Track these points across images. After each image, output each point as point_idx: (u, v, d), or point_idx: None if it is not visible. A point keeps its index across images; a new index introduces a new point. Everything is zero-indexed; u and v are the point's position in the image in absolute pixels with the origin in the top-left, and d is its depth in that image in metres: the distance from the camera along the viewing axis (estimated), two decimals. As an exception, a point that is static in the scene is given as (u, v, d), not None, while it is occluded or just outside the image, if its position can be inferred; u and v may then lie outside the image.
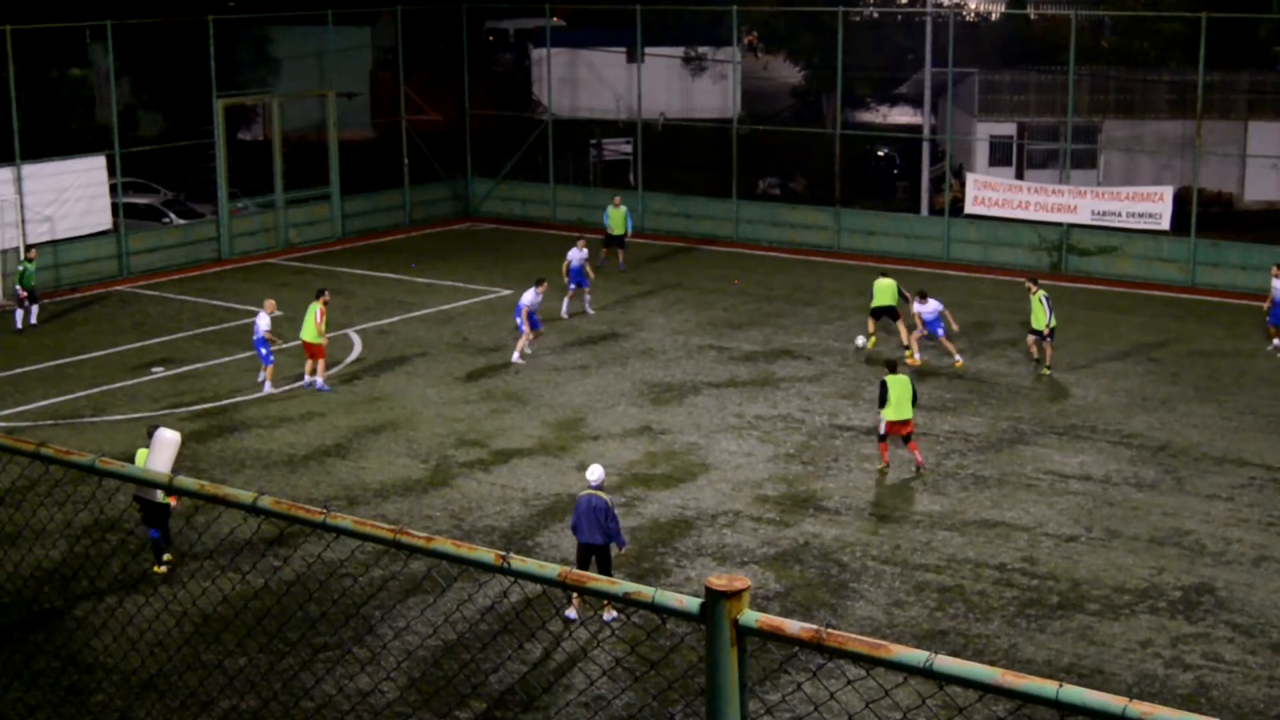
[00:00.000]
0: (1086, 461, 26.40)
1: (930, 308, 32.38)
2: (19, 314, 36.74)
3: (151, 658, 17.41)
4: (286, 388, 31.15)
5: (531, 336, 33.30)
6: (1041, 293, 31.62)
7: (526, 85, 65.09)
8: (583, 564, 19.48)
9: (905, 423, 25.64)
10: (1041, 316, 31.42)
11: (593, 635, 18.69)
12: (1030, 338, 32.09)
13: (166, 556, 21.94)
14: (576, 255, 37.41)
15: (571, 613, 19.98)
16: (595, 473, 20.39)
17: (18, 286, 36.82)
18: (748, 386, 31.14)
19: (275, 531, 20.74)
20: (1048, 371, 31.63)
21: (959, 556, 22.15)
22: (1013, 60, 55.90)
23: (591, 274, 37.96)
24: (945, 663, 3.86)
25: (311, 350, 31.13)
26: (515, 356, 33.13)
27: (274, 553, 20.64)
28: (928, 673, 3.88)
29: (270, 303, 31.87)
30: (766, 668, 16.86)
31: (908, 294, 33.64)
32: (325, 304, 31.17)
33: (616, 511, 20.26)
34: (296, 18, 53.97)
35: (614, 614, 19.68)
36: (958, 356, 32.62)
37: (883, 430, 25.90)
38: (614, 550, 20.27)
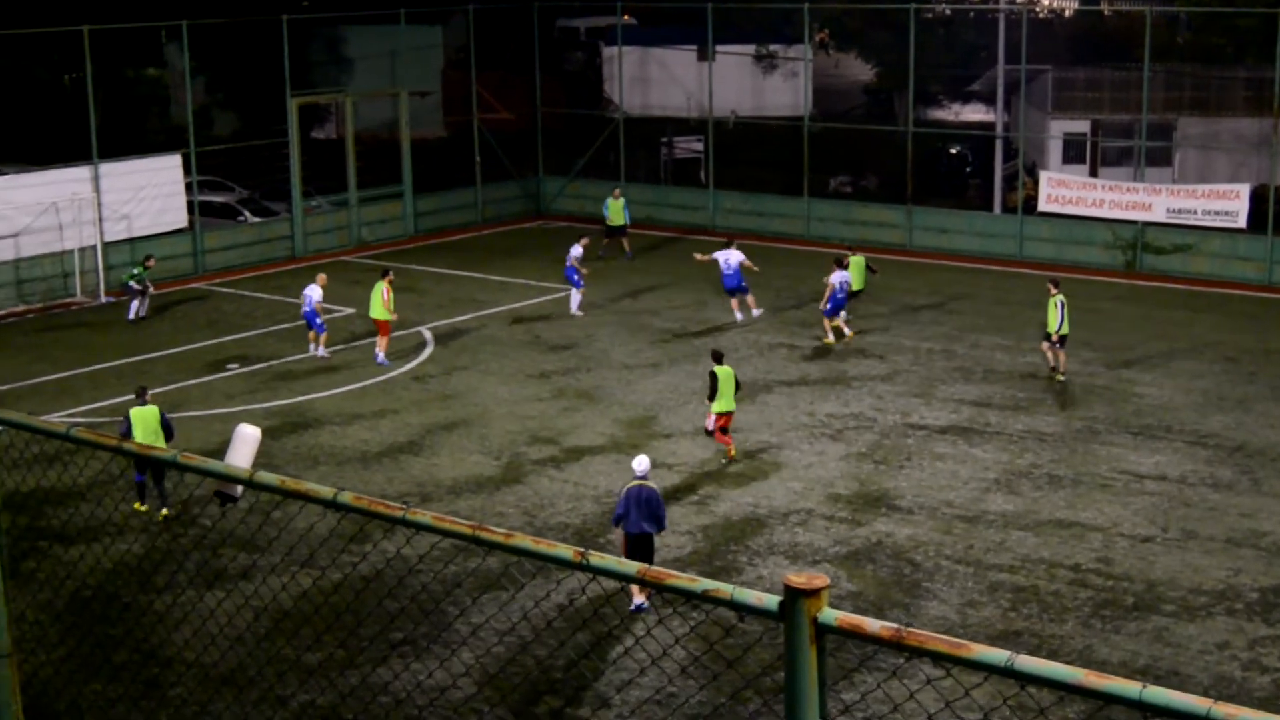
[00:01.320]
0: (1162, 461, 26.18)
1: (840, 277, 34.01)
2: (134, 305, 37.54)
3: (231, 652, 17.60)
4: (339, 350, 31.34)
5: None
6: (1059, 297, 31.02)
7: (598, 83, 65.13)
8: (631, 555, 19.52)
9: (731, 413, 26.55)
10: (1054, 321, 30.96)
11: (663, 630, 18.70)
12: (1044, 343, 31.61)
13: (166, 511, 23.50)
14: (579, 252, 38.18)
15: (640, 600, 20.03)
16: (643, 463, 20.51)
17: (131, 283, 37.58)
18: (819, 385, 31.07)
19: (355, 528, 20.87)
20: (1060, 378, 31.14)
21: (1033, 556, 22.01)
22: (1087, 57, 55.45)
23: (585, 270, 38.27)
24: (1027, 662, 3.85)
25: (380, 327, 33.07)
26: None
27: (351, 549, 20.77)
28: (1009, 672, 3.86)
29: (322, 276, 34.45)
30: (841, 667, 16.81)
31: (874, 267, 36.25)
32: (390, 282, 33.26)
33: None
34: (369, 17, 54.19)
35: (643, 600, 19.92)
36: (830, 335, 34.34)
37: (717, 424, 26.48)
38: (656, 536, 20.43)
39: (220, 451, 22.25)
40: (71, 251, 40.37)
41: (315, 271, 36.30)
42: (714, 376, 26.31)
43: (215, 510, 22.03)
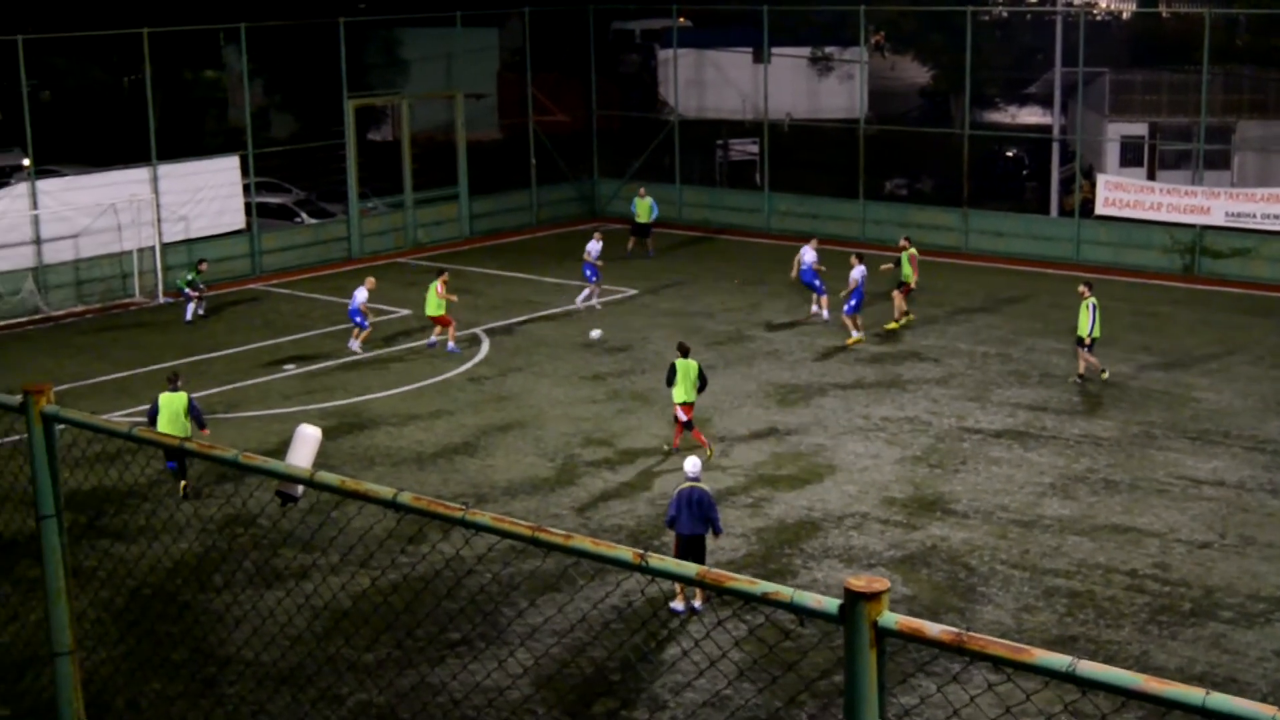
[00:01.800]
0: (1220, 467, 25.99)
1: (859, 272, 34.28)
2: (190, 307, 37.88)
3: (291, 651, 17.71)
4: (394, 349, 31.46)
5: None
6: (1091, 300, 30.71)
7: (653, 86, 65.22)
8: (683, 557, 19.52)
9: (690, 405, 26.71)
10: (1085, 324, 30.65)
11: (719, 633, 18.69)
12: (1079, 348, 31.24)
13: (185, 483, 24.76)
14: (595, 248, 38.66)
15: (678, 604, 20.07)
16: (694, 465, 20.51)
17: (186, 289, 37.99)
18: (874, 388, 30.99)
19: (413, 529, 20.95)
20: (1076, 380, 30.90)
21: (1089, 562, 21.89)
22: (1144, 59, 55.16)
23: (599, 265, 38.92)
24: (1088, 668, 3.84)
25: (439, 320, 34.07)
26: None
27: (409, 550, 20.85)
28: (1071, 678, 3.86)
29: (371, 280, 35.36)
30: (895, 672, 16.77)
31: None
32: (445, 282, 34.13)
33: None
34: (425, 20, 54.44)
35: (683, 604, 20.01)
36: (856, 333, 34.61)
37: (684, 415, 26.71)
38: (710, 539, 20.39)
39: (278, 451, 22.40)
40: (130, 252, 40.70)
41: (374, 271, 36.59)
42: (672, 367, 26.80)
43: (274, 510, 22.17)
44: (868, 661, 4.23)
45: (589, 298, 38.23)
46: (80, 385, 31.95)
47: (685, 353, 27.17)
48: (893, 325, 35.85)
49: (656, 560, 4.76)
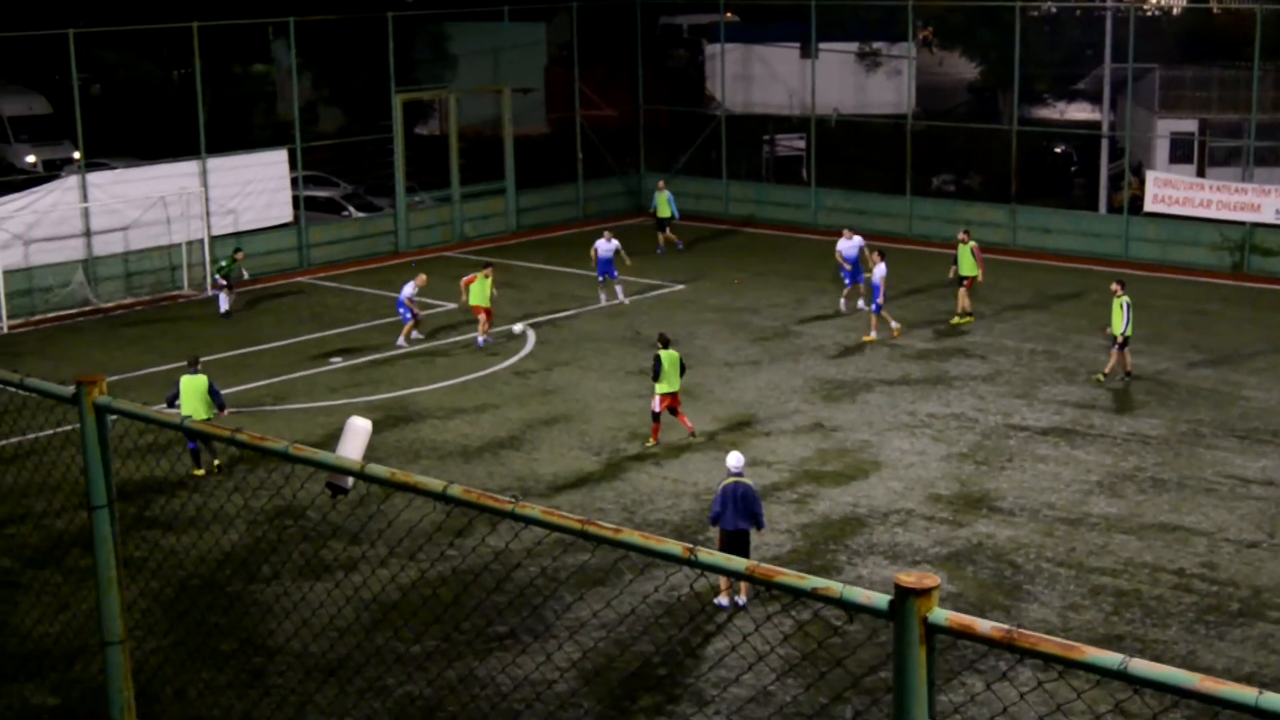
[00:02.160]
0: (1269, 466, 25.82)
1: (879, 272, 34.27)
2: (224, 299, 38.09)
3: (342, 642, 17.80)
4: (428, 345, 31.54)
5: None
6: (1125, 299, 30.44)
7: (700, 81, 65.14)
8: (727, 552, 19.49)
9: (674, 395, 26.97)
10: (1119, 323, 30.40)
11: (765, 629, 18.68)
12: (1113, 349, 30.97)
13: (217, 462, 25.74)
14: (604, 247, 38.41)
15: (722, 600, 20.07)
16: (737, 460, 20.49)
17: (218, 276, 37.95)
18: (920, 384, 30.91)
19: (459, 522, 21.02)
20: (1100, 380, 30.63)
21: (1136, 560, 21.79)
22: (1195, 55, 54.75)
23: (629, 261, 38.98)
24: (1141, 666, 3.82)
25: (480, 311, 34.27)
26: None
27: (456, 543, 20.92)
28: (1122, 676, 3.84)
29: (422, 277, 35.62)
30: (943, 669, 16.73)
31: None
32: (486, 275, 34.31)
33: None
34: (473, 14, 54.51)
35: (727, 599, 20.01)
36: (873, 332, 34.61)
37: (658, 406, 26.98)
38: (754, 533, 20.37)
39: (325, 443, 22.43)
40: (179, 245, 40.93)
41: (421, 265, 36.71)
42: (658, 359, 26.95)
43: (323, 502, 22.24)
44: (917, 658, 4.22)
45: (616, 295, 38.21)
46: (129, 377, 32.14)
47: (666, 343, 27.44)
48: (956, 321, 35.75)
49: (706, 554, 4.77)
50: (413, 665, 17.94)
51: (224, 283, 38.13)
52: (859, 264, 36.92)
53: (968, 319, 35.88)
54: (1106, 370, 30.75)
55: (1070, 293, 39.25)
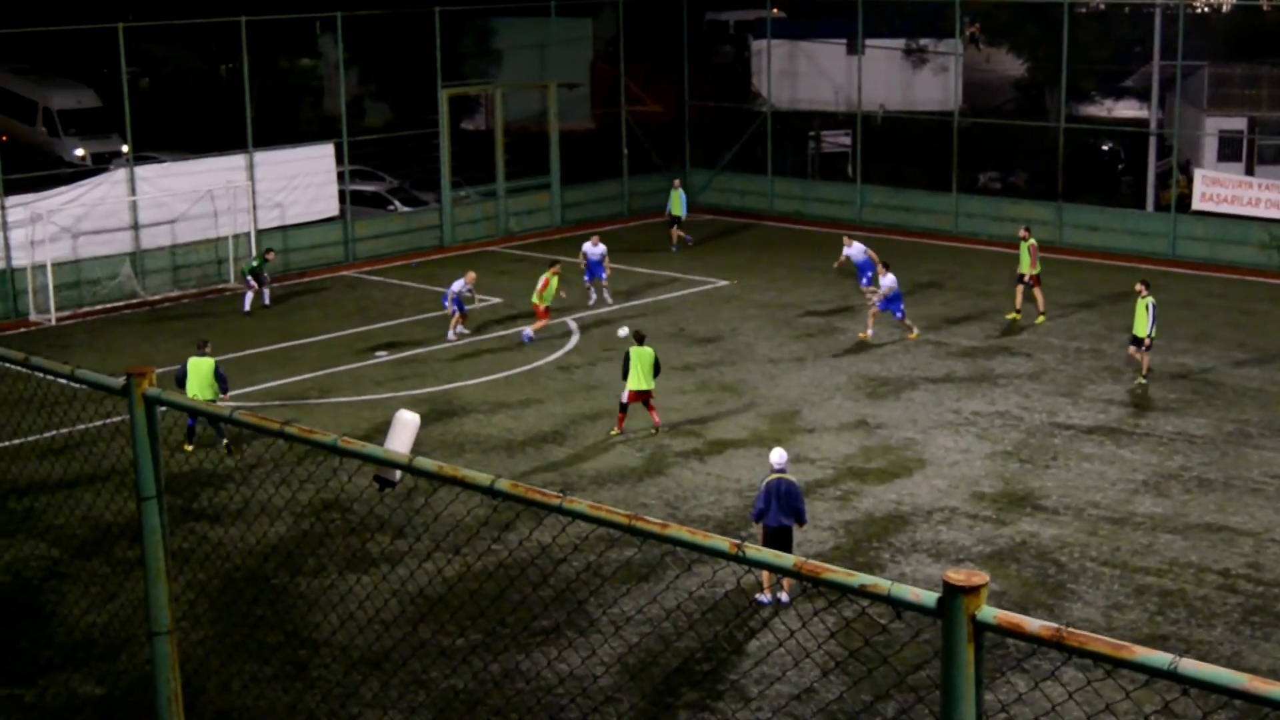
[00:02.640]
0: (1317, 466, 25.65)
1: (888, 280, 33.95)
2: (249, 297, 37.92)
3: (387, 636, 17.86)
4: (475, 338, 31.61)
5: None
6: (1150, 299, 30.03)
7: (745, 77, 64.98)
8: (771, 548, 19.44)
9: (647, 392, 27.27)
10: (1143, 324, 30.00)
11: (809, 626, 18.66)
12: (1131, 346, 30.72)
13: (226, 442, 26.51)
14: (592, 250, 38.30)
15: (764, 597, 20.06)
16: (780, 456, 20.44)
17: (248, 276, 38.06)
18: (965, 382, 30.81)
19: (505, 516, 21.06)
20: (1143, 381, 30.31)
21: (1181, 560, 21.68)
22: (1244, 53, 54.34)
23: (609, 269, 38.61)
24: (1190, 666, 3.81)
25: (536, 311, 34.20)
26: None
27: (500, 537, 20.97)
28: (1172, 676, 3.83)
29: (471, 274, 35.85)
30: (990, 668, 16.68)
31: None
32: (555, 274, 34.34)
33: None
34: (520, 9, 54.60)
35: (769, 596, 20.00)
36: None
37: (625, 399, 27.29)
38: (796, 530, 20.34)
39: (371, 437, 22.52)
40: (226, 238, 41.13)
41: (464, 261, 36.82)
42: (627, 356, 27.32)
43: (369, 495, 22.36)
44: (965, 656, 4.21)
45: (603, 297, 38.17)
46: (176, 369, 32.28)
47: (640, 340, 27.62)
48: (1020, 317, 35.91)
49: (753, 550, 4.77)
50: (456, 659, 17.99)
51: (253, 283, 38.19)
52: (870, 266, 36.75)
53: (1014, 314, 35.77)
54: (1145, 371, 30.45)
55: (1117, 291, 39.02)
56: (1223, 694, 3.78)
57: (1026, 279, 35.81)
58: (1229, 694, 3.77)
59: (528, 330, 34.45)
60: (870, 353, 33.11)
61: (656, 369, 27.47)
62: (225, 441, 26.60)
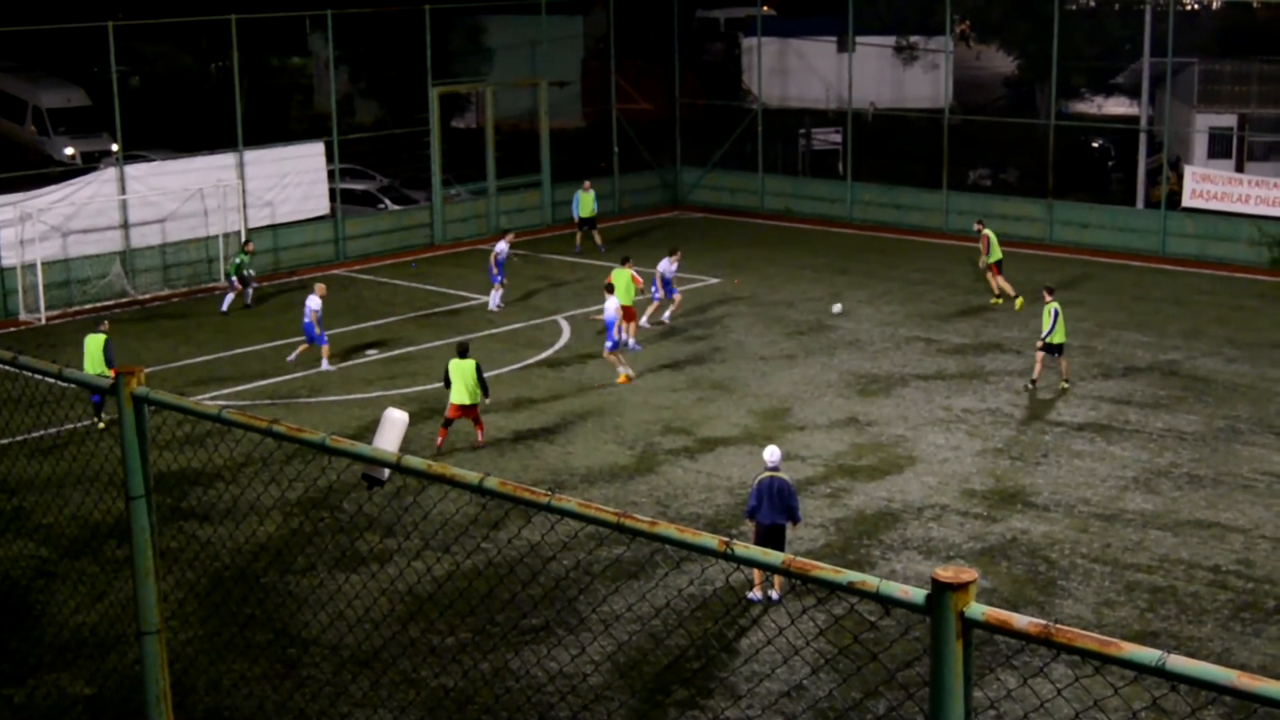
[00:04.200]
0: (1307, 463, 25.68)
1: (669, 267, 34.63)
2: (229, 298, 37.99)
3: (376, 634, 17.85)
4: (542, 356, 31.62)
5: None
6: (1054, 305, 29.71)
7: (736, 74, 65.07)
8: (764, 546, 19.43)
9: (472, 407, 26.40)
10: (1045, 328, 29.73)
11: (798, 623, 18.66)
12: (1041, 353, 30.05)
13: (101, 422, 27.54)
14: (503, 248, 38.03)
15: (754, 594, 20.06)
16: (774, 454, 20.43)
17: (233, 277, 38.06)
18: (956, 379, 30.83)
19: (493, 515, 21.04)
20: (1065, 385, 29.93)
21: (1171, 557, 21.70)
22: (1234, 49, 54.40)
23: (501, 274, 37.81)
24: (1179, 662, 3.81)
25: (627, 313, 32.74)
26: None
27: (489, 535, 20.96)
28: (1160, 672, 3.83)
29: (320, 286, 33.43)
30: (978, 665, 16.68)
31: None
32: (627, 266, 33.80)
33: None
34: (510, 7, 54.60)
35: (759, 593, 20.02)
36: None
37: (448, 414, 26.63)
38: (789, 528, 20.32)
39: (361, 436, 22.49)
40: (216, 237, 41.08)
41: (455, 259, 36.74)
42: (447, 369, 26.47)
43: (358, 494, 22.34)
44: (954, 653, 4.21)
45: (499, 301, 37.46)
46: (166, 368, 32.29)
47: (463, 353, 26.71)
48: (1001, 302, 36.70)
49: (741, 548, 4.77)
50: (447, 657, 17.97)
51: (237, 283, 38.16)
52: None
53: (996, 300, 36.69)
54: (1064, 377, 30.23)
55: (1107, 288, 39.10)
56: (1211, 690, 3.78)
57: (989, 266, 36.93)
58: (1218, 690, 3.76)
59: (631, 341, 33.30)
60: (861, 350, 33.13)
61: (483, 384, 26.50)
62: (102, 420, 27.50)
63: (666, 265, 35.39)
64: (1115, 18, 59.44)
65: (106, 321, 30.42)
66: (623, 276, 32.99)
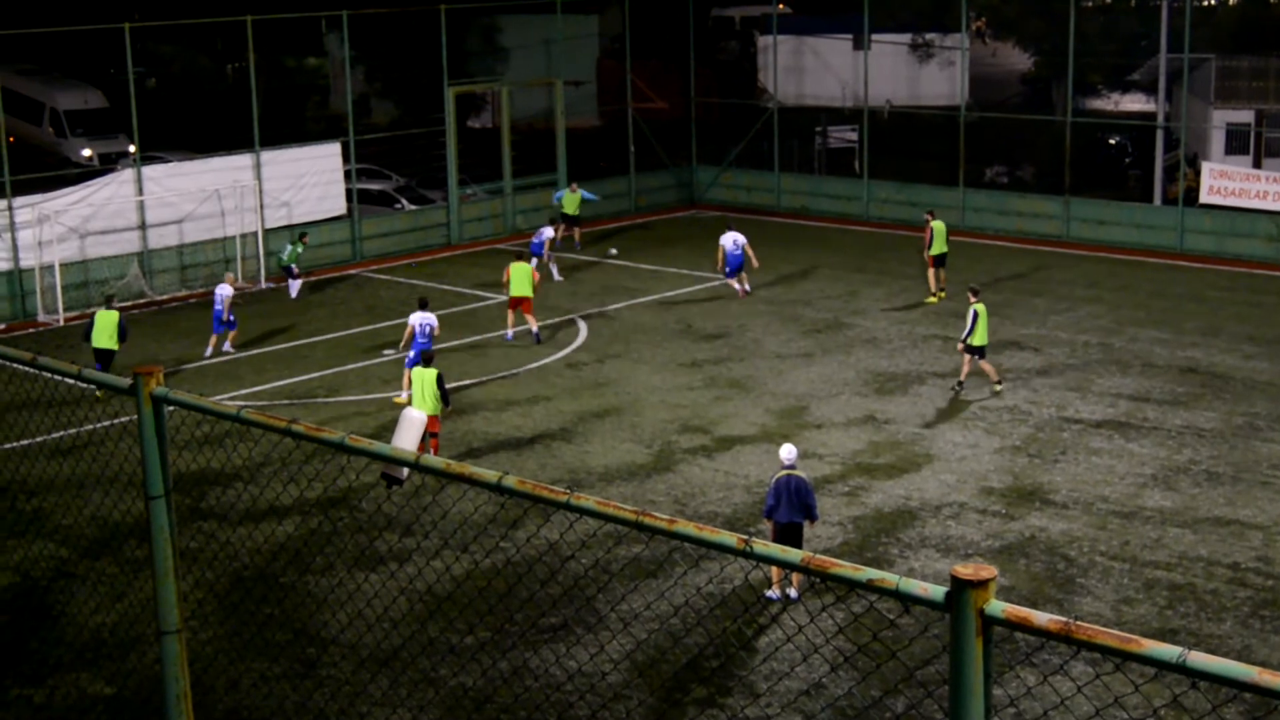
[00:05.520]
0: (1326, 459, 25.61)
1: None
2: (296, 284, 39.18)
3: (395, 633, 17.86)
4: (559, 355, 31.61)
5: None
6: (977, 306, 29.35)
7: (752, 73, 65.03)
8: (782, 544, 19.40)
9: (433, 418, 25.64)
10: (966, 329, 29.44)
11: (817, 621, 18.64)
12: (965, 355, 29.77)
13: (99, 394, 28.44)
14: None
15: (773, 592, 20.05)
16: (791, 452, 20.41)
17: (292, 266, 39.13)
18: (973, 376, 30.74)
19: (511, 514, 21.07)
20: (998, 388, 29.67)
21: (1190, 554, 21.65)
22: (1252, 45, 54.25)
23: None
24: (1199, 659, 3.80)
25: (525, 305, 34.15)
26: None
27: (508, 534, 20.97)
28: (1181, 669, 3.82)
29: (230, 276, 35.38)
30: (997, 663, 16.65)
31: None
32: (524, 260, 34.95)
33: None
34: (525, 7, 54.63)
35: (778, 592, 20.00)
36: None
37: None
38: (807, 526, 20.31)
39: (379, 436, 22.52)
40: (233, 238, 41.15)
41: (473, 257, 36.80)
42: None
43: (376, 494, 22.36)
44: (973, 650, 4.21)
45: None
46: (184, 370, 32.36)
47: (427, 361, 26.31)
48: (933, 299, 37.36)
49: (761, 546, 4.77)
50: (465, 657, 17.99)
51: (296, 271, 39.11)
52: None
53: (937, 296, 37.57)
54: (960, 380, 29.94)
55: (1124, 285, 39.03)
56: (1232, 687, 3.77)
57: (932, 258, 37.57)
58: (1238, 687, 3.76)
59: (510, 333, 34.49)
60: (878, 348, 33.09)
61: (444, 396, 25.80)
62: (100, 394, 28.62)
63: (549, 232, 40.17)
64: (1132, 14, 59.35)
65: (115, 298, 33.61)
66: (521, 269, 34.18)
